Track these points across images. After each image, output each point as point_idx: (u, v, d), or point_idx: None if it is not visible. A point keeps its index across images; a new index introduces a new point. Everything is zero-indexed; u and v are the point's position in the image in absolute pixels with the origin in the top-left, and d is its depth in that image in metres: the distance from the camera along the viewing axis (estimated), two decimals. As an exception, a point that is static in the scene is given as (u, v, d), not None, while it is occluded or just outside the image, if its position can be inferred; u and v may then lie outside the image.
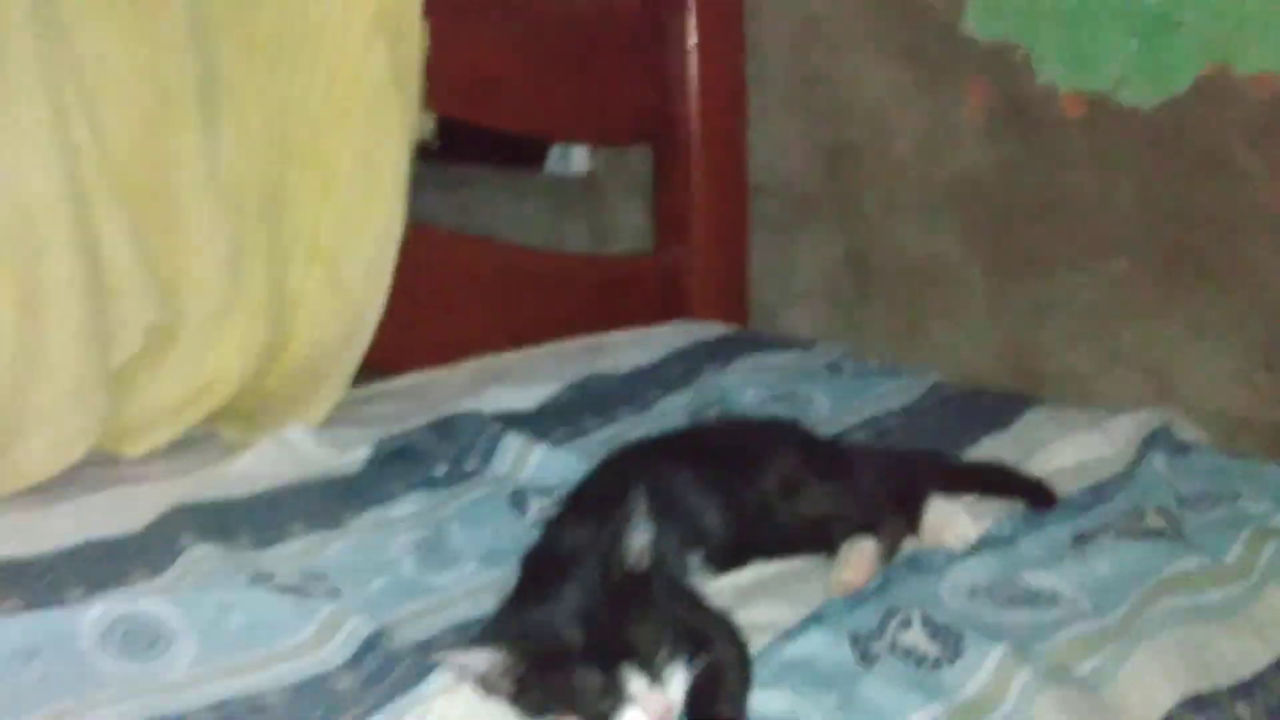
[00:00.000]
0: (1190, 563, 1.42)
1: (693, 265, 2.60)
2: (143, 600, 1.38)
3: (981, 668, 1.22)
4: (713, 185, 2.61)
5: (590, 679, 1.14)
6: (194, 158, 1.80)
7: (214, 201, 1.83)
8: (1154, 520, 1.50)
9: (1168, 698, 1.20)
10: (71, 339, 1.68)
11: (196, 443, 1.91)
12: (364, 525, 1.63)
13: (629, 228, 2.86)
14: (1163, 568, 1.41)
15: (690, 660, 1.18)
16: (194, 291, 1.83)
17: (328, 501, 1.69)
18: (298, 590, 1.42)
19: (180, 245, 1.82)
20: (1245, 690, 1.23)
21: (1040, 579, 1.42)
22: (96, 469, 1.79)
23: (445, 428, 1.84)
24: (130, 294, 1.76)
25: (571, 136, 2.86)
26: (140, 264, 1.76)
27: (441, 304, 2.26)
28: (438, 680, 1.23)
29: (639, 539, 1.21)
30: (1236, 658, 1.28)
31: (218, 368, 1.86)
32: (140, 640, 1.33)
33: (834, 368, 2.20)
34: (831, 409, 2.04)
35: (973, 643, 1.25)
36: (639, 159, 2.75)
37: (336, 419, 1.97)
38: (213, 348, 1.85)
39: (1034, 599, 1.38)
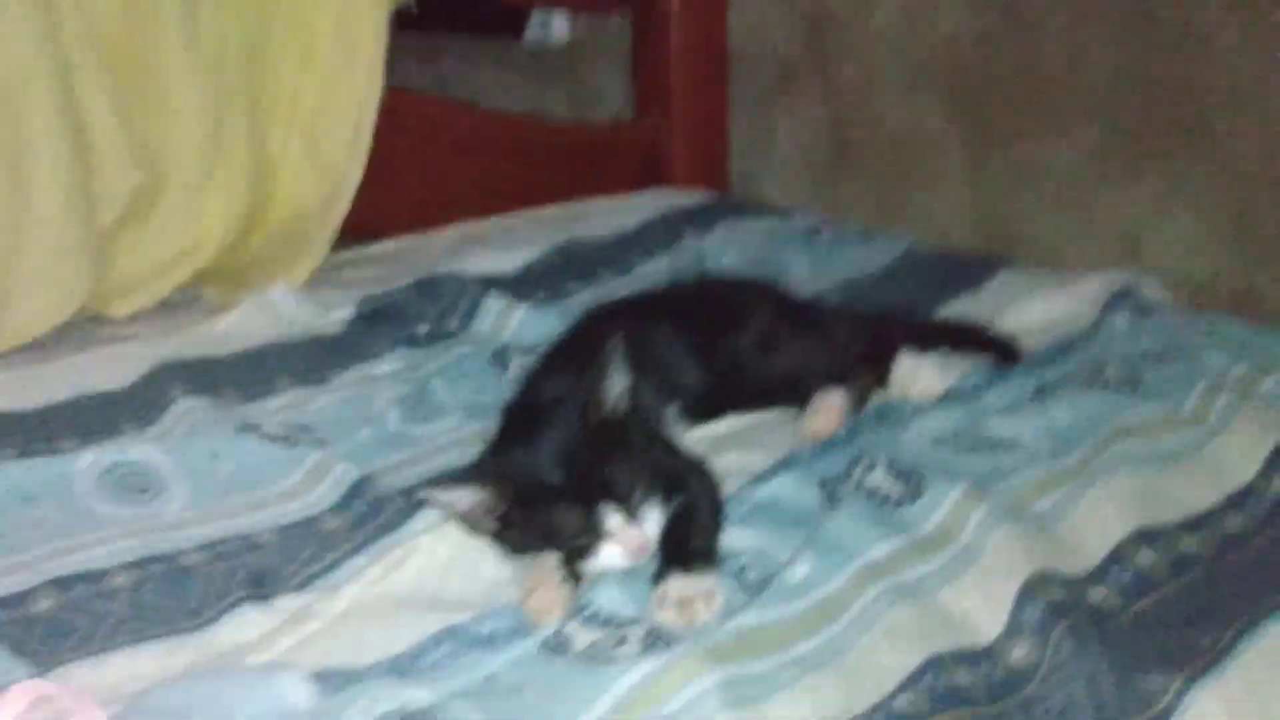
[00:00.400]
0: (1147, 411, 1.47)
1: (672, 133, 2.60)
2: (134, 449, 1.42)
3: (940, 505, 1.28)
4: (693, 53, 2.60)
5: (570, 515, 1.20)
6: (173, 21, 1.80)
7: (194, 65, 1.83)
8: (1114, 373, 1.55)
9: (1119, 531, 1.26)
10: (57, 203, 1.69)
11: (181, 304, 1.94)
12: (348, 381, 1.67)
13: (609, 96, 2.86)
14: (1120, 416, 1.46)
15: (665, 500, 1.24)
16: (176, 155, 1.84)
17: (312, 359, 1.72)
18: (284, 440, 1.46)
19: (161, 109, 1.82)
20: (1194, 525, 1.28)
21: (1002, 428, 1.46)
22: (85, 329, 1.82)
23: (427, 288, 1.87)
24: (113, 157, 1.78)
25: (551, 2, 2.84)
26: (122, 127, 1.78)
27: (421, 170, 2.27)
28: (424, 519, 1.29)
29: (616, 383, 1.25)
30: (1187, 497, 1.33)
31: (200, 230, 1.88)
32: (133, 486, 1.38)
33: (811, 233, 2.23)
34: (808, 273, 2.07)
35: (933, 483, 1.31)
36: (619, 27, 2.73)
37: (318, 282, 1.99)
38: (195, 210, 1.87)
39: (995, 446, 1.43)
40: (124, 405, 1.58)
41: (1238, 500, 1.32)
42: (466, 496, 1.22)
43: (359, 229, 2.10)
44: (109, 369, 1.67)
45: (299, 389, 1.64)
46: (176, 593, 1.21)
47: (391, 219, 2.23)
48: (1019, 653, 1.08)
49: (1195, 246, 2.18)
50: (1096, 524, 1.28)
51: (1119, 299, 1.80)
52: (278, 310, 1.83)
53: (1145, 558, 1.21)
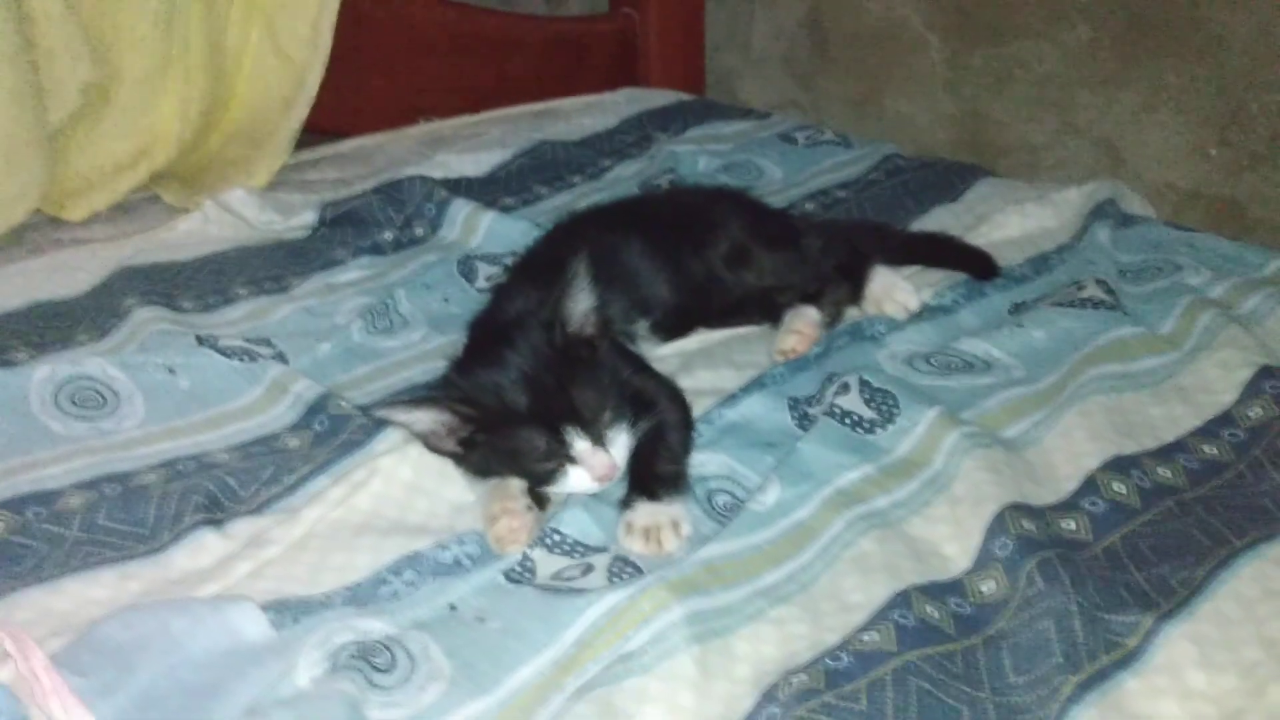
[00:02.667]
0: (1125, 331, 1.44)
1: (648, 27, 2.52)
2: (89, 362, 1.38)
3: (913, 431, 1.26)
4: (669, -59, 2.51)
5: (535, 439, 1.17)
6: (121, -96, 1.72)
7: (145, -51, 1.75)
8: (1093, 290, 1.51)
9: (1092, 459, 1.24)
10: (3, 99, 1.62)
11: (138, 207, 1.88)
12: (310, 290, 1.63)
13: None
14: (1098, 336, 1.43)
15: (634, 422, 1.21)
16: (128, 48, 1.77)
17: (273, 266, 1.68)
18: (244, 353, 1.42)
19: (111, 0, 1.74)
20: (1169, 452, 1.26)
21: (977, 347, 1.44)
22: (39, 233, 1.77)
23: (392, 192, 1.81)
24: (62, 51, 1.70)
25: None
26: (71, 19, 1.69)
27: (387, 66, 2.20)
28: (386, 439, 1.26)
29: (582, 303, 1.21)
30: (1163, 422, 1.31)
31: (156, 128, 1.82)
32: (89, 401, 1.35)
33: (787, 138, 2.17)
34: (783, 179, 2.02)
35: (906, 407, 1.28)
36: (592, -86, 2.64)
37: (279, 183, 1.94)
38: (150, 107, 1.80)
39: (970, 366, 1.41)
40: (79, 314, 1.54)
41: (1215, 427, 1.29)
42: (425, 418, 1.18)
43: (322, 129, 2.04)
44: (64, 276, 1.63)
45: (259, 298, 1.60)
46: (131, 515, 1.18)
47: (354, 117, 2.16)
48: (988, 586, 1.06)
49: (1180, 154, 2.14)
50: (1069, 450, 1.26)
51: (1100, 212, 1.76)
52: (238, 215, 1.78)
53: (1118, 488, 1.19)
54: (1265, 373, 1.36)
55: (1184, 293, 1.54)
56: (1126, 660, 0.98)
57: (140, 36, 1.76)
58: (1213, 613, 1.02)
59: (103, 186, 1.83)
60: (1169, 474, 1.22)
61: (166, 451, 1.29)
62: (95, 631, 0.97)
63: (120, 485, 1.23)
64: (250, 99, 1.91)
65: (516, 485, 1.19)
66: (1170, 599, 1.03)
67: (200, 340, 1.44)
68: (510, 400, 1.18)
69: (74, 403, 1.34)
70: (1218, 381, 1.37)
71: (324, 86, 1.93)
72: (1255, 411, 1.31)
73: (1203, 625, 1.01)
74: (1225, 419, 1.31)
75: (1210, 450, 1.26)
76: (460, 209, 1.78)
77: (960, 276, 1.61)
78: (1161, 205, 2.10)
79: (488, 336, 1.31)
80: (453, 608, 1.06)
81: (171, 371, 1.39)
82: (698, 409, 1.32)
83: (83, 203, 1.81)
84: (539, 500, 1.20)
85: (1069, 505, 1.18)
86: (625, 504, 1.16)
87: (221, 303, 1.59)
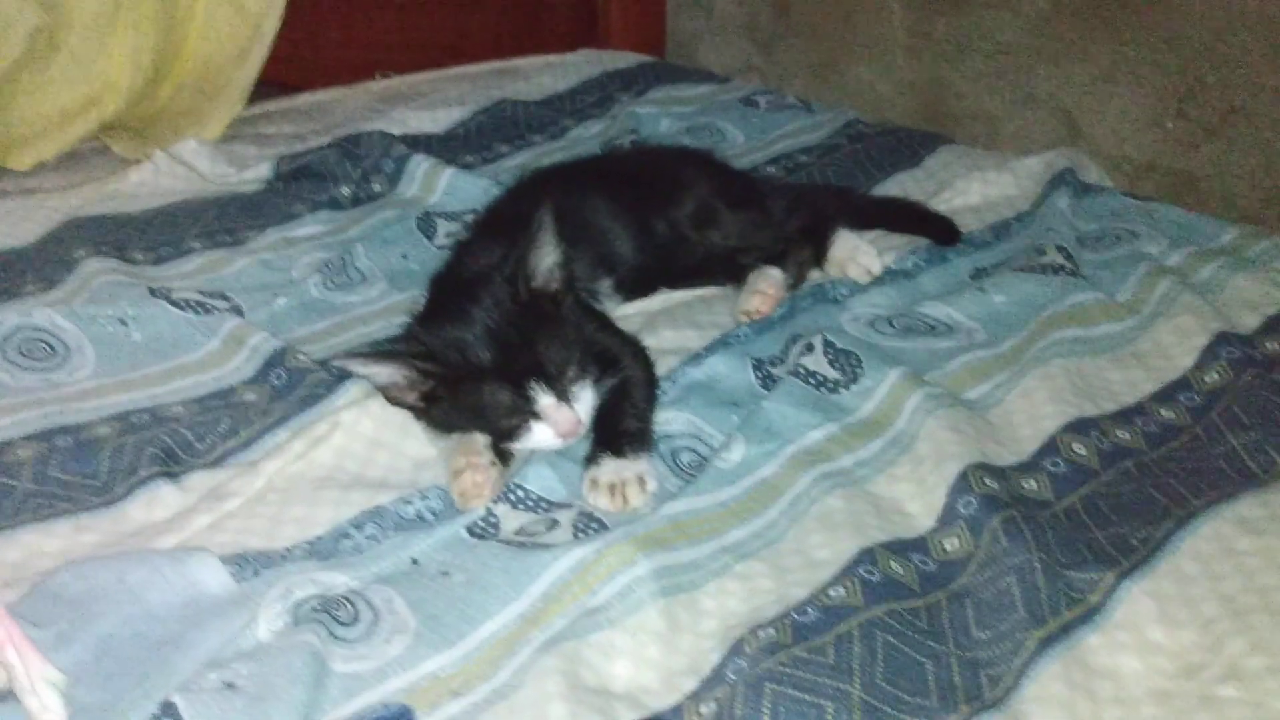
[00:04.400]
0: (1085, 297, 1.45)
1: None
2: (37, 313, 1.35)
3: (877, 391, 1.26)
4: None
5: (499, 394, 1.15)
6: None
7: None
8: (1053, 257, 1.52)
9: (1052, 421, 1.25)
10: (-54, 42, 1.58)
11: (88, 157, 1.84)
12: (265, 244, 1.60)
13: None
14: (1058, 301, 1.44)
15: (598, 379, 1.20)
16: (78, -7, 1.72)
17: (227, 219, 1.64)
18: (198, 306, 1.40)
19: (60, -60, 1.70)
20: (1128, 415, 1.27)
21: (938, 310, 1.44)
22: (-16, 181, 1.73)
23: (349, 146, 1.78)
24: (8, -6, 1.66)
25: None
26: (17, -39, 1.65)
27: (344, 19, 2.16)
28: (347, 394, 1.24)
29: (546, 257, 1.20)
30: (1121, 386, 1.32)
31: (106, 77, 1.77)
32: (37, 352, 1.32)
33: (749, 102, 2.16)
34: (745, 143, 2.02)
35: (870, 367, 1.29)
36: None
37: (232, 137, 1.90)
38: (100, 55, 1.76)
39: (931, 329, 1.41)
40: (26, 265, 1.51)
41: (1172, 391, 1.31)
42: (385, 371, 1.17)
43: (276, 82, 2.00)
44: (11, 224, 1.59)
45: (213, 251, 1.57)
46: (84, 467, 1.15)
47: (310, 71, 2.12)
48: (952, 544, 1.07)
49: (1137, 126, 2.15)
50: (1030, 412, 1.27)
51: (1060, 180, 1.77)
52: (190, 167, 1.74)
53: (1079, 449, 1.20)
54: (1221, 339, 1.37)
55: (1142, 260, 1.56)
56: (1088, 616, 0.98)
57: (90, -19, 1.72)
58: (1172, 570, 1.03)
59: (50, 135, 1.78)
60: (1127, 436, 1.24)
61: (120, 404, 1.26)
62: (50, 583, 0.95)
63: (72, 437, 1.20)
64: (203, 49, 1.87)
65: (480, 440, 1.18)
66: (1131, 557, 1.04)
67: (153, 292, 1.41)
68: (474, 355, 1.16)
69: (22, 353, 1.31)
70: (1175, 347, 1.38)
71: (279, 38, 1.90)
72: (1212, 377, 1.32)
73: (1162, 582, 1.02)
74: (1182, 384, 1.32)
75: (1168, 414, 1.28)
76: (419, 164, 1.75)
77: (922, 241, 1.61)
78: (1117, 177, 2.12)
79: (450, 291, 1.30)
80: (415, 562, 1.05)
81: (124, 323, 1.36)
82: (661, 368, 1.31)
83: (29, 152, 1.77)
84: (502, 456, 1.19)
85: (1030, 466, 1.19)
86: (590, 460, 1.15)
87: (174, 255, 1.55)
